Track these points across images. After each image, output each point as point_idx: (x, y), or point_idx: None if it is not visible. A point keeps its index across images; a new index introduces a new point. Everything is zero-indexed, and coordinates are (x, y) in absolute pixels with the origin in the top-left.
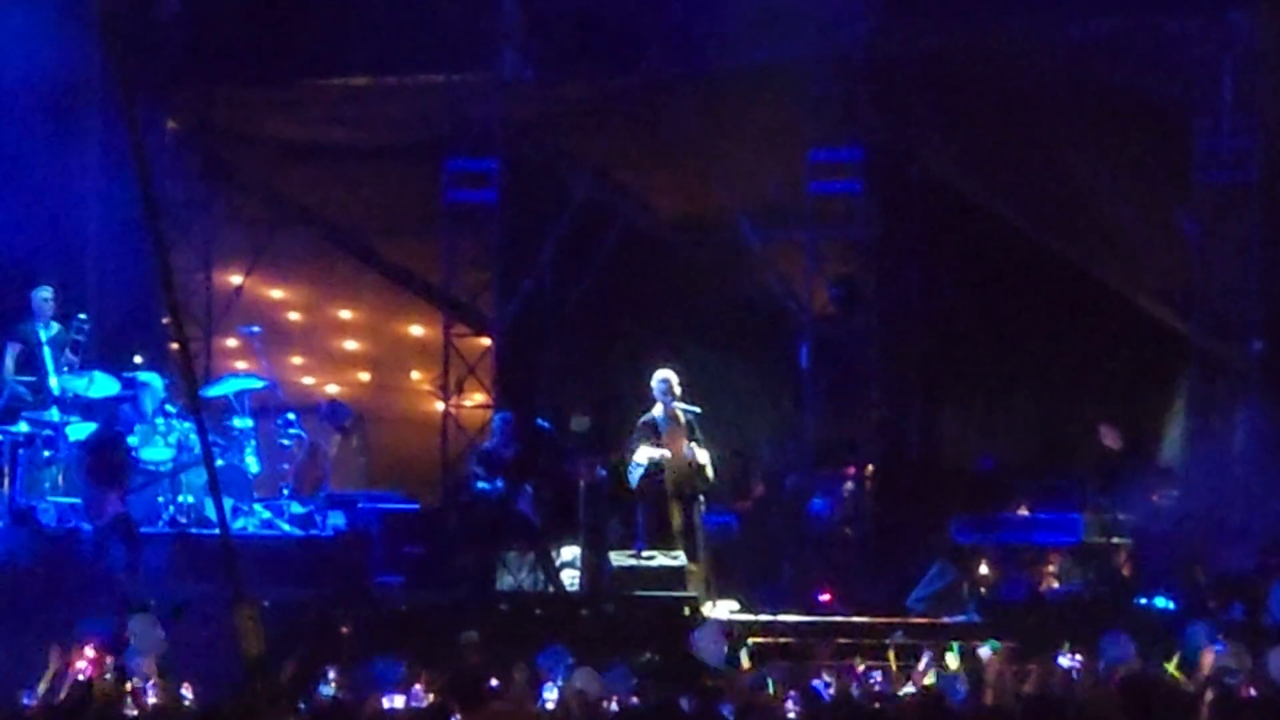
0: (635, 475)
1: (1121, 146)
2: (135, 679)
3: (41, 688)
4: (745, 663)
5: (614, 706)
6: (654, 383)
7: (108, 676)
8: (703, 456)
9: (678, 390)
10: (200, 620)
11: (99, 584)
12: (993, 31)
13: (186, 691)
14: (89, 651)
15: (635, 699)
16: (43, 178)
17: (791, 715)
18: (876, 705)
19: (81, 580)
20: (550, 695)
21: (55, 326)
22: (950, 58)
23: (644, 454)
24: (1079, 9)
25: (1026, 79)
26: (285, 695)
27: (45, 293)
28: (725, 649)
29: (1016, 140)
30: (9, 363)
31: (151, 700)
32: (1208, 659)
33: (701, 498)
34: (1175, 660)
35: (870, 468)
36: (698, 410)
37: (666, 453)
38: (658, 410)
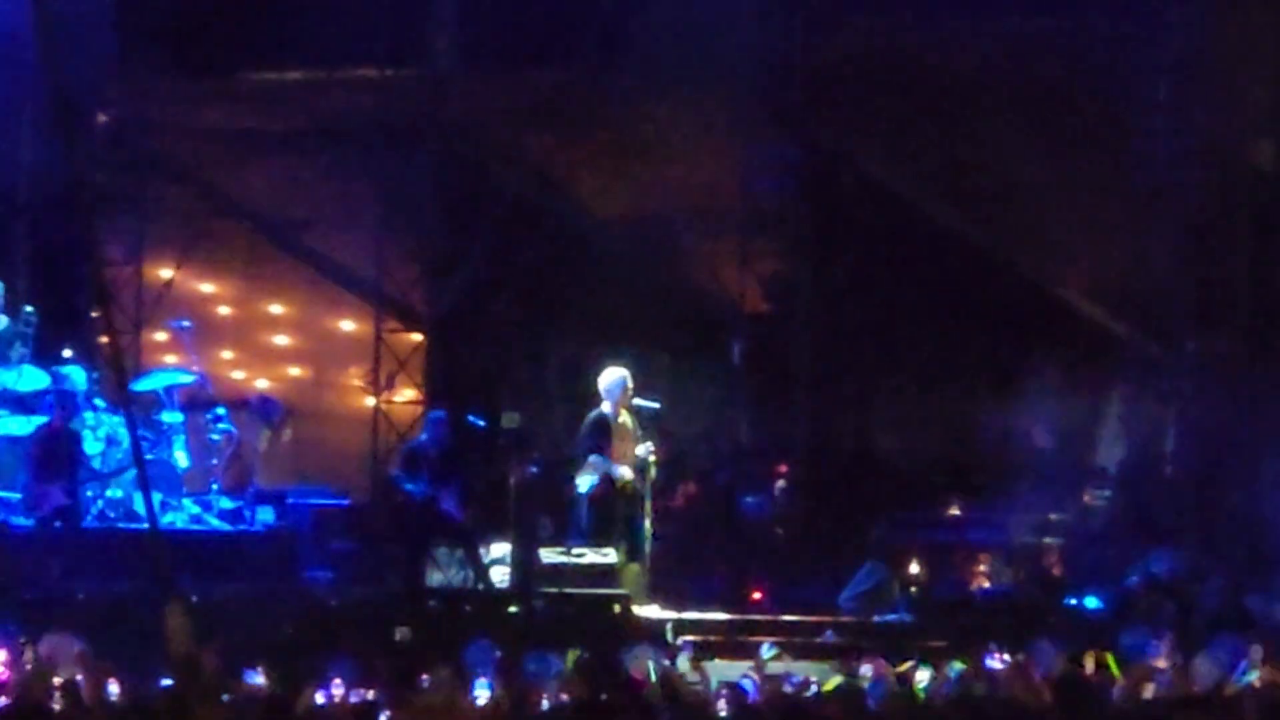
0: (586, 484)
1: (1057, 146)
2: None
3: None
4: (683, 665)
5: (544, 703)
6: (607, 381)
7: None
8: (650, 454)
9: (631, 388)
10: (128, 616)
11: (30, 580)
12: (926, 30)
13: (113, 687)
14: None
15: (564, 695)
16: None
17: (722, 713)
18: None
19: (11, 577)
20: (481, 692)
21: (3, 320)
22: (883, 57)
23: (596, 467)
24: (1015, 7)
25: (960, 78)
26: (212, 689)
27: None
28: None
29: (950, 139)
30: None
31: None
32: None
33: (647, 497)
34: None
35: (800, 466)
36: (658, 405)
37: (625, 471)
38: (606, 408)
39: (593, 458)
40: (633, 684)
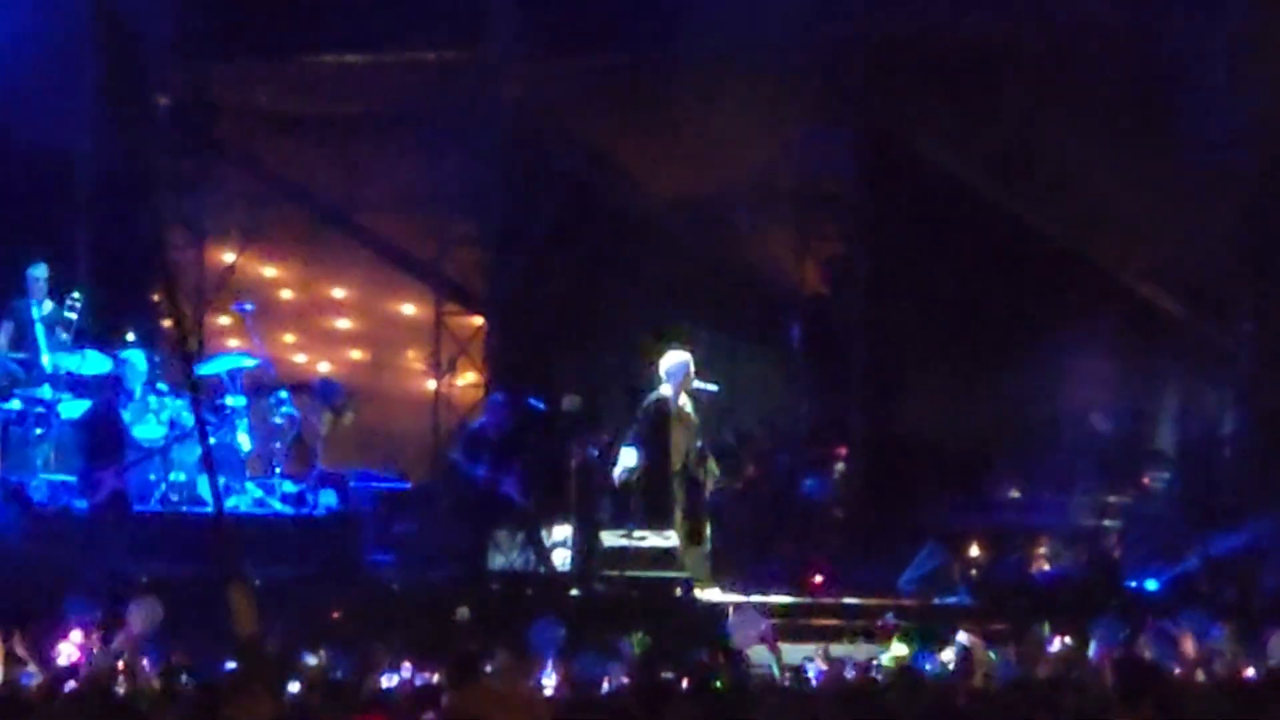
0: (620, 475)
1: (1117, 127)
2: (128, 658)
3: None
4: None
5: (606, 687)
6: (670, 364)
7: (95, 655)
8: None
9: (693, 372)
10: (193, 599)
11: (91, 562)
12: (986, 9)
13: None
14: (75, 636)
15: (625, 679)
16: (34, 154)
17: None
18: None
19: (75, 559)
20: (547, 680)
21: (49, 304)
22: (943, 36)
23: (630, 456)
24: None
25: (1020, 58)
26: (275, 672)
27: (40, 270)
28: (760, 635)
29: (1009, 120)
30: (2, 340)
31: (145, 679)
32: (1188, 643)
33: (710, 480)
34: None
35: (859, 449)
36: (715, 388)
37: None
38: (667, 391)
39: (626, 448)
40: (700, 667)
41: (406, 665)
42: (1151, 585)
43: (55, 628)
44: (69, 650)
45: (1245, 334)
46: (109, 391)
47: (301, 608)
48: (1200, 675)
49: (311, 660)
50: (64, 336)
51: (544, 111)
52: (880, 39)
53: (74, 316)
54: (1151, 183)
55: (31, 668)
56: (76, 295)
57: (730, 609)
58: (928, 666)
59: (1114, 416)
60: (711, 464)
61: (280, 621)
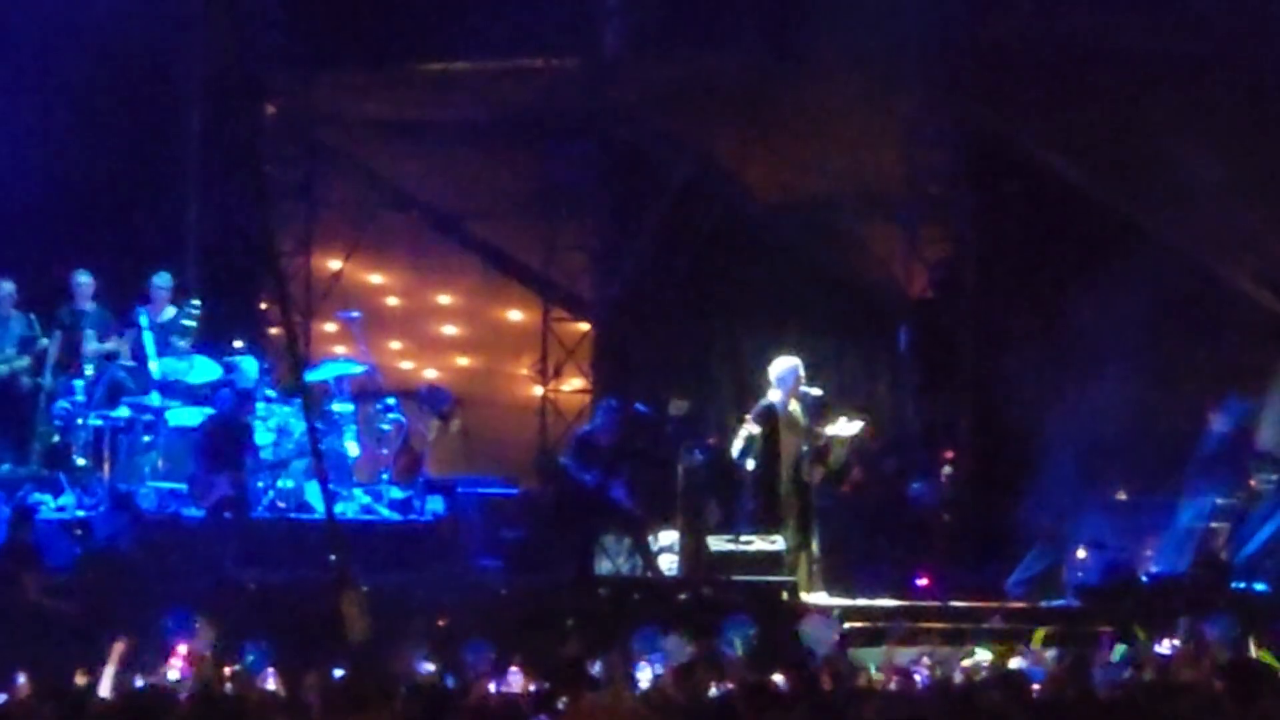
0: (740, 450)
1: (1228, 129)
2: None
3: (105, 685)
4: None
5: (713, 690)
6: (780, 370)
7: (205, 662)
8: (836, 450)
9: (802, 377)
10: (303, 606)
11: (203, 569)
12: (1096, 11)
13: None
14: (182, 649)
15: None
16: (141, 161)
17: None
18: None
19: (184, 566)
20: (643, 676)
21: (171, 310)
22: (1052, 38)
23: (736, 443)
24: None
25: (1130, 60)
26: (388, 679)
27: (163, 279)
28: (835, 637)
29: (1120, 124)
30: (126, 349)
31: (269, 686)
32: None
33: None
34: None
35: (966, 453)
36: (821, 393)
37: (755, 429)
38: (776, 396)
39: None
40: (802, 669)
41: (515, 670)
42: (1260, 587)
43: (163, 637)
44: (176, 664)
45: None
46: (236, 398)
47: (411, 614)
48: None
49: (426, 667)
50: (183, 344)
51: (652, 116)
52: (989, 41)
53: (193, 323)
54: (1266, 185)
55: (139, 676)
56: (197, 302)
57: (806, 616)
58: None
59: (1222, 418)
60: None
61: (390, 628)
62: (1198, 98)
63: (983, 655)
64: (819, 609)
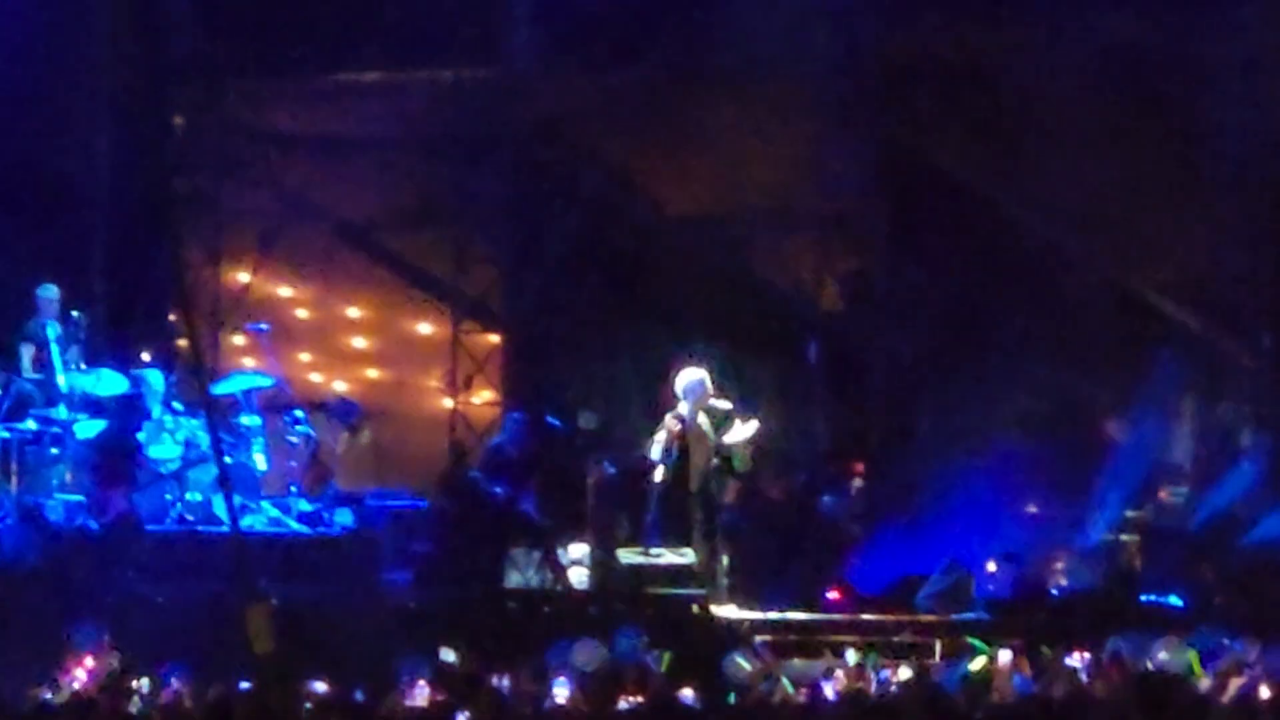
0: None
1: (1133, 144)
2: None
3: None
4: (745, 665)
5: (622, 704)
6: (686, 382)
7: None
8: (740, 455)
9: (710, 389)
10: (209, 618)
11: (104, 583)
12: (1002, 29)
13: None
14: (89, 661)
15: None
16: (48, 172)
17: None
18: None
19: (90, 579)
20: (560, 692)
21: (56, 326)
22: (959, 55)
23: (656, 446)
24: (1095, 6)
25: (1037, 76)
26: (293, 691)
27: (50, 291)
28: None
29: (1028, 138)
30: (25, 362)
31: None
32: (1228, 662)
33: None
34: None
35: (876, 466)
36: (730, 406)
37: (675, 426)
38: (684, 409)
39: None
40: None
41: (422, 684)
42: (1171, 600)
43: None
44: (80, 675)
45: (1263, 348)
46: (126, 412)
47: (318, 627)
48: (1227, 690)
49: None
50: (73, 356)
51: (562, 130)
52: (897, 56)
53: (82, 334)
54: (1170, 199)
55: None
56: (76, 314)
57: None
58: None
59: (1131, 430)
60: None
61: (296, 641)
62: (1105, 114)
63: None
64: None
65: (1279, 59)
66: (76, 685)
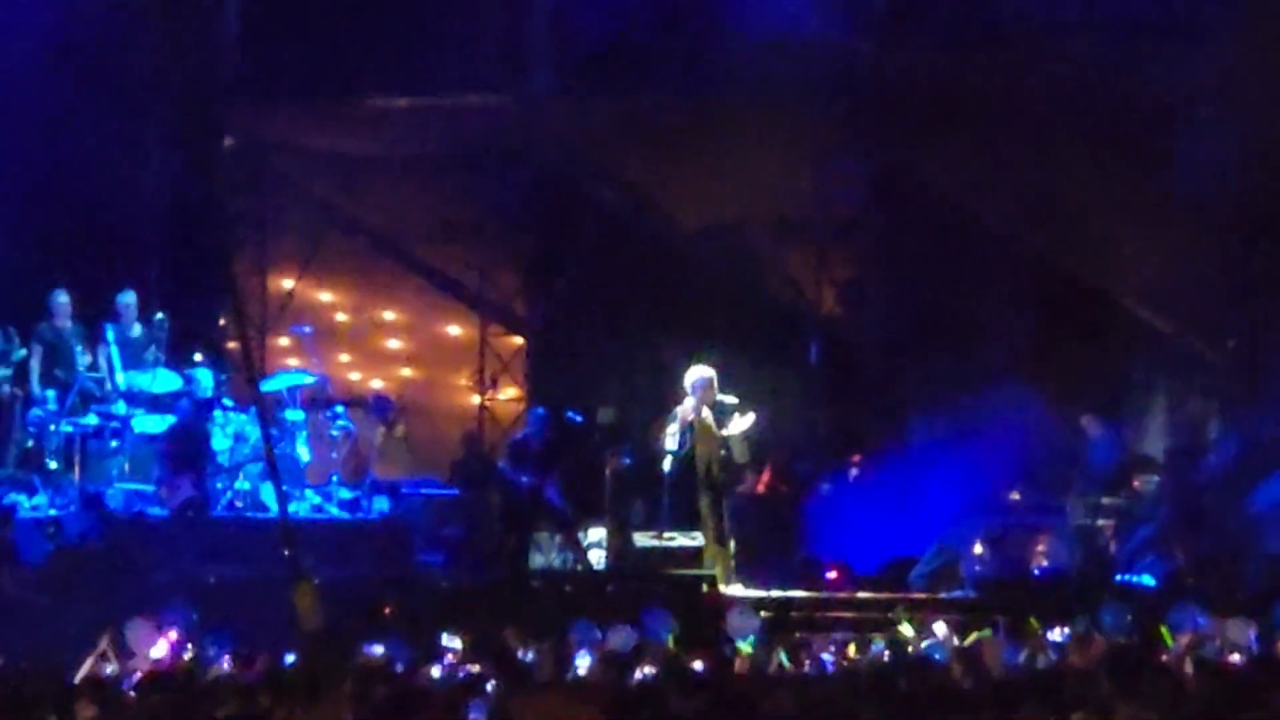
0: (668, 458)
1: (1109, 161)
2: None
3: (85, 667)
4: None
5: (638, 675)
6: (693, 378)
7: (186, 656)
8: (736, 446)
9: (715, 385)
10: (258, 597)
11: (165, 565)
12: (986, 55)
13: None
14: (173, 634)
15: (652, 668)
16: (109, 189)
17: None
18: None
19: (149, 561)
20: (582, 663)
21: (138, 328)
22: (948, 77)
23: (670, 435)
24: (1069, 35)
25: (1021, 97)
26: (339, 664)
27: (128, 297)
28: (756, 626)
29: (1012, 154)
30: (86, 361)
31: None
32: (1187, 634)
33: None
34: (1164, 632)
35: (871, 456)
36: (735, 401)
37: (692, 415)
38: (691, 403)
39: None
40: (718, 656)
41: (452, 657)
42: (1145, 580)
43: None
44: (161, 648)
45: (1228, 349)
46: (196, 408)
47: (358, 604)
48: (1189, 663)
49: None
50: (151, 356)
51: (580, 149)
52: (890, 80)
53: (163, 335)
54: (1144, 213)
55: (114, 665)
56: (161, 317)
57: (730, 609)
58: (937, 655)
59: (1108, 425)
60: (738, 456)
61: (339, 617)
62: (1082, 132)
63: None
64: (740, 602)
65: (1236, 88)
66: (156, 656)
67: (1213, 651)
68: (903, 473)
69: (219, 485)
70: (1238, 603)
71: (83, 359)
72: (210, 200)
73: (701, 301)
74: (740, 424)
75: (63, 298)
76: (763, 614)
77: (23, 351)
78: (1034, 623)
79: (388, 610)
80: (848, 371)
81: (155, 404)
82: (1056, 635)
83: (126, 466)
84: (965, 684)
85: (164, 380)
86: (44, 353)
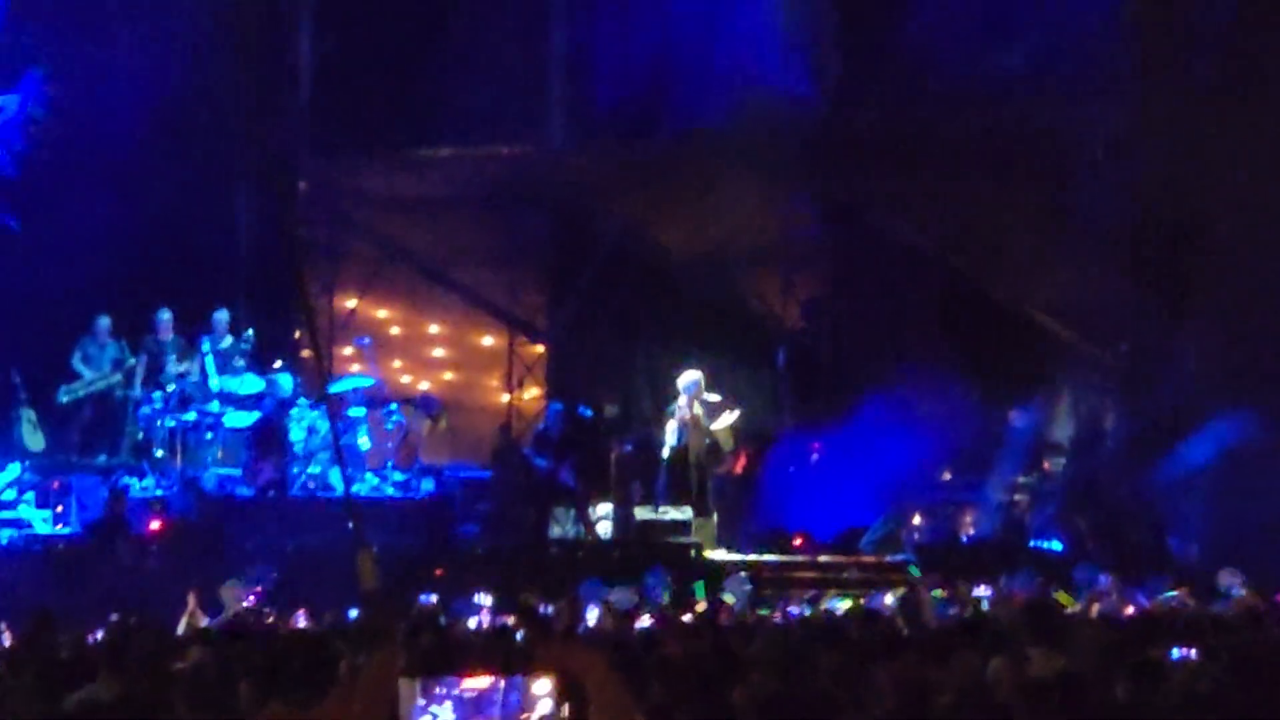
0: (667, 448)
1: (1025, 196)
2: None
3: (183, 624)
4: (729, 599)
5: (638, 624)
6: (685, 381)
7: (266, 610)
8: (723, 436)
9: (703, 386)
10: (328, 562)
11: (251, 535)
12: (924, 110)
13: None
14: (257, 593)
15: (651, 618)
16: (206, 227)
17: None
18: (837, 623)
19: (237, 532)
20: (591, 616)
21: (229, 339)
22: (891, 130)
23: (670, 430)
24: (993, 92)
25: (951, 145)
26: (392, 618)
27: (222, 315)
28: (748, 591)
29: (943, 192)
30: (185, 367)
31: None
32: (1092, 591)
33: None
34: (1064, 591)
35: (830, 444)
36: (720, 398)
37: (686, 413)
38: (683, 401)
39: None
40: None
41: (486, 610)
42: (1053, 545)
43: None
44: (248, 604)
45: (1121, 353)
46: (277, 406)
47: (409, 568)
48: (1091, 613)
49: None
50: (240, 364)
51: (590, 190)
52: (843, 134)
53: (248, 347)
54: (1051, 240)
55: (203, 620)
56: (250, 333)
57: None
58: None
59: (1021, 416)
60: (723, 446)
61: (393, 578)
62: (1003, 173)
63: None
64: (736, 568)
65: (1127, 135)
66: (243, 606)
67: (1110, 605)
68: (854, 457)
69: (295, 470)
70: (1129, 563)
71: (176, 367)
72: (288, 235)
73: (689, 317)
74: (727, 419)
75: (165, 315)
76: (740, 574)
77: (132, 360)
78: (962, 583)
79: (439, 572)
80: (809, 373)
81: (243, 403)
82: (982, 591)
83: (219, 454)
84: (906, 632)
85: (250, 383)
86: (147, 361)
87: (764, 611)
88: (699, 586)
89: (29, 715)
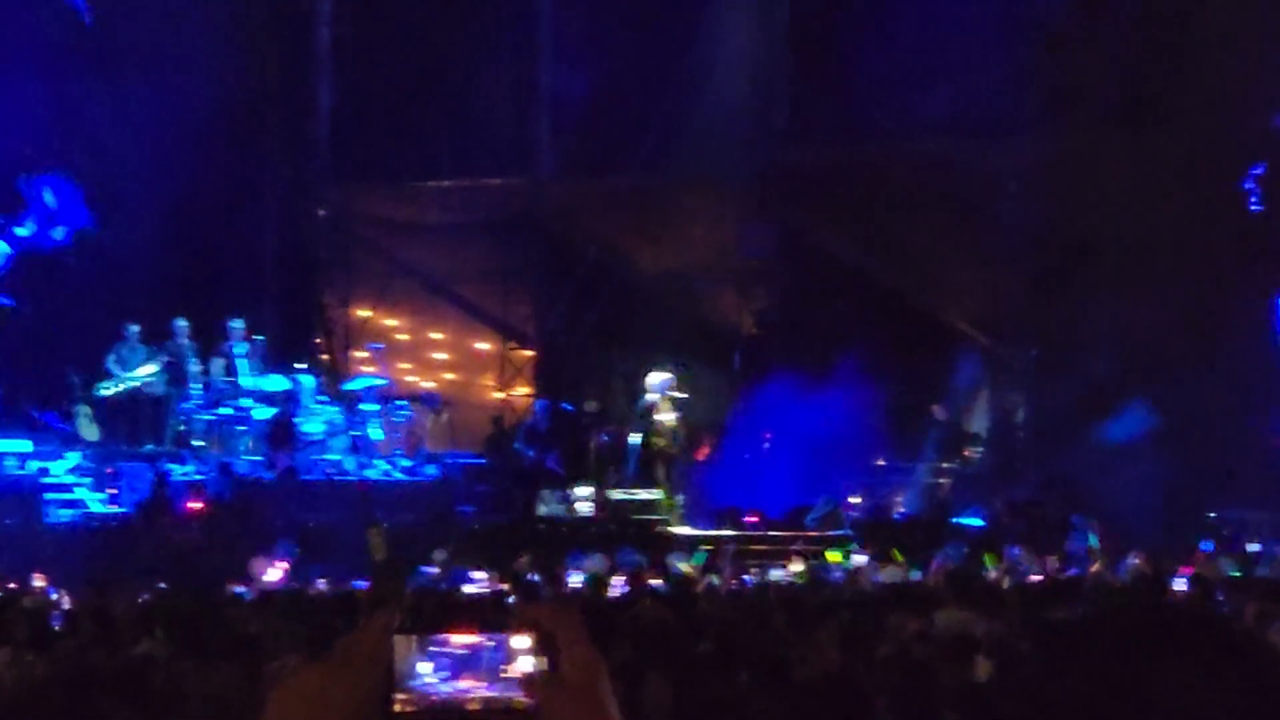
0: (638, 438)
1: (948, 222)
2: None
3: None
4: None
5: (613, 591)
6: (655, 380)
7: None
8: (680, 429)
9: (672, 386)
10: (344, 537)
11: (277, 514)
12: (862, 147)
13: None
14: (282, 564)
15: (626, 585)
16: (238, 248)
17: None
18: (785, 588)
19: (265, 512)
20: (574, 582)
21: (245, 345)
22: (832, 164)
23: (643, 420)
24: (923, 132)
25: (885, 178)
26: (399, 585)
27: (238, 323)
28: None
29: (878, 218)
30: (218, 369)
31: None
32: (1006, 559)
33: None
34: (988, 558)
35: (780, 434)
36: (686, 396)
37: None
38: (654, 398)
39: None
40: (675, 578)
41: (483, 577)
42: (973, 521)
43: (260, 558)
44: (275, 574)
45: (1030, 357)
46: (288, 402)
47: (415, 542)
48: (1005, 580)
49: (433, 570)
50: (257, 366)
51: (572, 216)
52: (792, 167)
53: (260, 351)
54: (970, 259)
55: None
56: (259, 338)
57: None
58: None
59: (946, 411)
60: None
61: (399, 551)
62: (931, 203)
63: (795, 567)
64: (684, 539)
65: (1036, 170)
66: (272, 578)
67: (1023, 573)
68: (800, 445)
69: (314, 457)
70: (1039, 536)
71: (196, 368)
72: (309, 254)
73: (657, 325)
74: (669, 416)
75: (182, 323)
76: (702, 547)
77: (165, 358)
78: (897, 554)
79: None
80: (761, 373)
81: (270, 399)
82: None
83: (250, 444)
84: (847, 595)
85: (275, 383)
86: (173, 364)
87: (715, 580)
88: (699, 556)
89: (88, 665)
